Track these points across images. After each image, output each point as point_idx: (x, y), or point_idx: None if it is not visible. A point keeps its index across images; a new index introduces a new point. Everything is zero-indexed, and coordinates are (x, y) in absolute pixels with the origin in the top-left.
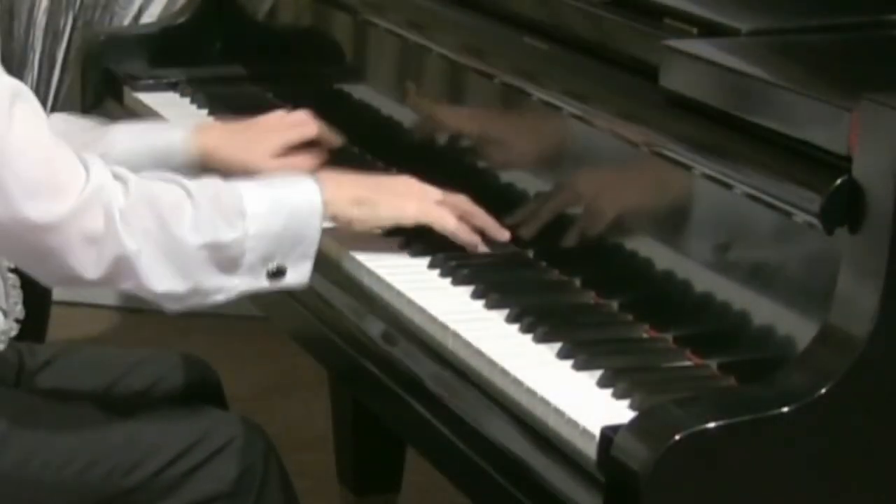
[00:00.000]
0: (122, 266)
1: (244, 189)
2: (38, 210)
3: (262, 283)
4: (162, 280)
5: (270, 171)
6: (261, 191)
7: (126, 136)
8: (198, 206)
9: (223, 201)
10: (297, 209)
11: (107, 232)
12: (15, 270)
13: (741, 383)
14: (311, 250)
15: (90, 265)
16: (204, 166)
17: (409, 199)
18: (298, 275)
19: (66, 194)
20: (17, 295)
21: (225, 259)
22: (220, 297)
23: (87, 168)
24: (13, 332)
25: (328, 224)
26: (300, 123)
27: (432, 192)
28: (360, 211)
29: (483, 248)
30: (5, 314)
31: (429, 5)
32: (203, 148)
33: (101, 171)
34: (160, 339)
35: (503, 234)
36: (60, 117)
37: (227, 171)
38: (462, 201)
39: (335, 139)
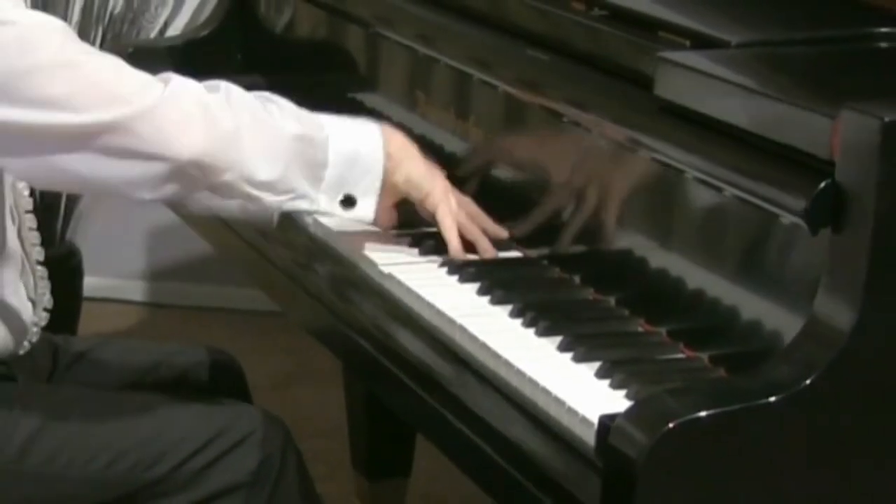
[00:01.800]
0: (225, 144)
1: (319, 114)
2: (129, 97)
3: (336, 208)
4: (260, 165)
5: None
6: (332, 118)
7: None
8: (284, 109)
9: (304, 116)
10: (365, 135)
11: (205, 115)
12: (43, 263)
13: (731, 374)
14: (377, 184)
15: (196, 137)
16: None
17: (439, 179)
18: (366, 207)
19: (150, 86)
20: (45, 286)
21: (312, 161)
22: (305, 205)
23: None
24: (43, 322)
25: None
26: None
27: (453, 190)
28: (407, 161)
29: (464, 257)
30: (34, 304)
31: (437, 19)
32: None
33: (181, 77)
34: (183, 333)
35: (502, 234)
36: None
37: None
38: (467, 204)
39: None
